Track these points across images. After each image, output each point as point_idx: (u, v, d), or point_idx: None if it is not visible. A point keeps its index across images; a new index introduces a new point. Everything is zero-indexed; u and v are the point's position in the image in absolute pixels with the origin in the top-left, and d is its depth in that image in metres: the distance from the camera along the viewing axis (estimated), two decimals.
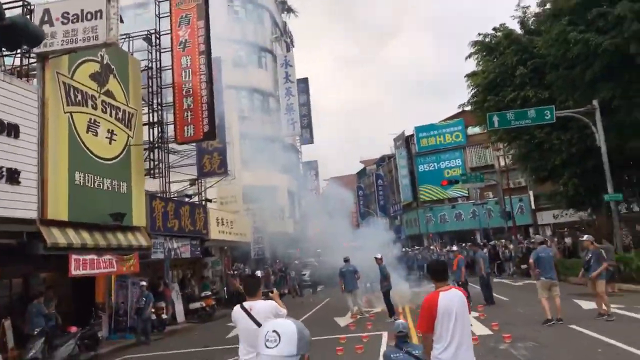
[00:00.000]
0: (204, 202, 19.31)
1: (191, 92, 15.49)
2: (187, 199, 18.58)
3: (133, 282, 15.21)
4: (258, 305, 4.95)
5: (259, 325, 4.83)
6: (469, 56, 26.90)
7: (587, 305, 12.10)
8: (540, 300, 10.39)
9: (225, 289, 22.79)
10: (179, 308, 18.27)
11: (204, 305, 18.79)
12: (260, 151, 27.03)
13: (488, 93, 24.28)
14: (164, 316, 16.36)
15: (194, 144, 18.63)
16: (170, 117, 16.44)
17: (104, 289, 15.11)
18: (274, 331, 1.89)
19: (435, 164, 46.59)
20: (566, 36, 17.55)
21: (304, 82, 38.39)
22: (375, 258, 14.14)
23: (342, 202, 30.37)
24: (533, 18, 24.07)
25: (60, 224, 11.53)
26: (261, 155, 26.78)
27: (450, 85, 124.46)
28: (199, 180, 19.47)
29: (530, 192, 41.92)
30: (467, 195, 44.80)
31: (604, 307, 10.37)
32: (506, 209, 31.22)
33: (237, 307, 5.07)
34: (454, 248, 16.44)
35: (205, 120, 15.22)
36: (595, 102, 17.29)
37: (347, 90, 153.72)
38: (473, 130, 45.75)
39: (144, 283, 14.77)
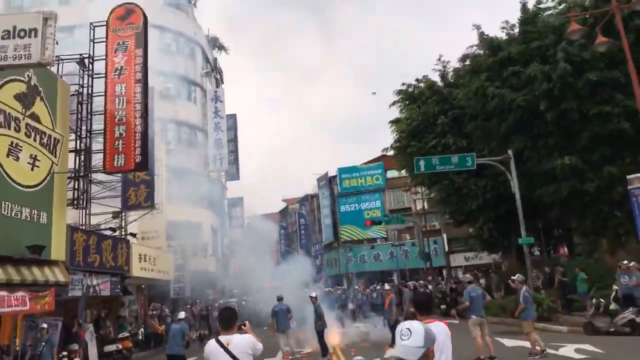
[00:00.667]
0: (127, 237, 18.33)
1: (124, 121, 14.94)
2: (110, 233, 17.54)
3: (44, 322, 13.91)
4: (235, 340, 4.80)
5: None
6: (393, 104, 28.42)
7: (510, 342, 12.79)
8: (475, 338, 10.79)
9: (142, 330, 21.43)
10: (93, 351, 16.85)
11: (120, 347, 17.53)
12: (186, 186, 26.32)
13: (411, 139, 25.69)
14: None
15: (119, 175, 17.81)
16: (97, 146, 15.66)
17: (9, 329, 13.68)
18: (407, 328, 2.63)
19: (356, 204, 47.82)
20: (484, 91, 19.18)
21: (232, 118, 38.31)
22: (310, 297, 14.09)
23: (265, 239, 30.09)
24: (452, 72, 26.01)
25: None
26: (187, 190, 26.07)
27: (370, 130, 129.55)
28: (123, 214, 18.53)
29: (444, 235, 44.09)
30: (385, 236, 46.21)
31: (536, 346, 10.89)
32: (425, 250, 32.47)
33: (212, 342, 4.87)
34: (387, 287, 16.82)
35: (137, 150, 14.68)
36: (510, 152, 18.84)
37: (272, 130, 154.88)
38: (392, 173, 47.77)
39: (56, 322, 13.57)
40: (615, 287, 14.97)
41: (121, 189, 17.96)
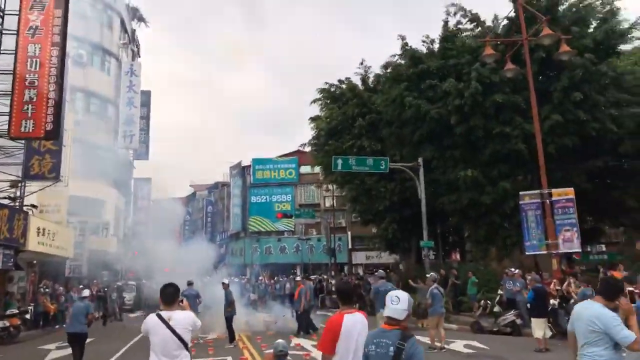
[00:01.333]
0: (26, 208, 17.11)
1: (36, 85, 13.92)
2: (8, 202, 16.27)
3: None
4: (177, 316, 4.90)
5: (177, 336, 4.76)
6: (314, 101, 28.99)
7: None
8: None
9: (31, 308, 20.11)
10: None
11: (7, 324, 16.41)
12: (92, 160, 25.00)
13: (329, 137, 26.40)
14: None
15: (22, 142, 16.58)
16: (1, 108, 14.47)
17: None
18: (396, 296, 3.80)
19: (267, 196, 48.03)
20: (402, 99, 20.23)
21: (146, 95, 36.72)
22: (223, 283, 14.15)
23: (169, 222, 29.35)
24: (373, 77, 27.02)
25: None
26: (93, 165, 24.77)
27: (285, 125, 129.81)
28: (22, 183, 17.24)
29: (349, 233, 45.64)
30: (292, 230, 46.91)
31: (436, 342, 11.76)
32: (331, 246, 33.46)
33: (153, 316, 4.92)
34: (298, 278, 17.22)
35: (49, 118, 13.75)
36: (420, 160, 20.09)
37: (185, 113, 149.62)
38: (305, 169, 48.58)
39: None
40: (500, 291, 16.58)
41: (23, 156, 16.69)
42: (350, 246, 45.35)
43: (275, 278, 29.86)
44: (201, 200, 61.05)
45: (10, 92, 14.07)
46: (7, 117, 14.01)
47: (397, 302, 3.76)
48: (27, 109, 13.79)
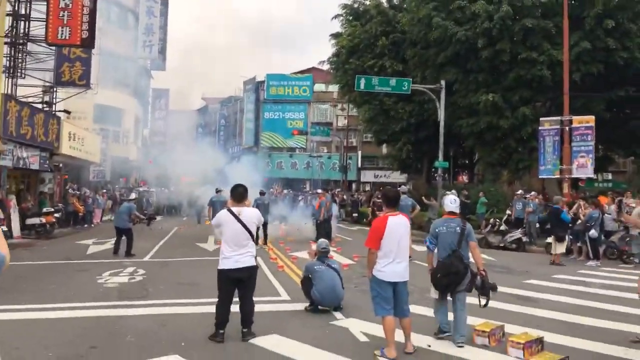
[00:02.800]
0: (58, 113, 17.69)
1: None
2: (43, 107, 16.84)
3: None
4: (246, 211, 5.63)
5: (246, 228, 5.51)
6: (336, 17, 28.48)
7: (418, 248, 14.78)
8: None
9: (62, 207, 21.29)
10: (16, 221, 16.78)
11: (44, 221, 17.55)
12: (115, 69, 25.20)
13: (350, 56, 26.24)
14: (4, 228, 14.99)
15: (52, 48, 16.79)
16: (35, 15, 14.57)
17: None
18: (454, 198, 5.89)
19: (281, 113, 48.22)
20: (430, 20, 19.99)
21: (164, 4, 35.92)
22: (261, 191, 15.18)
23: (186, 131, 29.98)
24: None
25: None
26: (115, 74, 25.01)
27: (300, 40, 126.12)
28: (54, 89, 17.67)
29: (359, 152, 46.38)
30: (304, 147, 47.61)
31: None
32: (344, 164, 34.24)
33: (224, 212, 5.65)
34: (319, 190, 18.09)
35: (85, 26, 13.92)
36: (442, 82, 20.21)
37: (200, 25, 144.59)
38: (319, 87, 48.39)
39: None
40: (508, 211, 17.46)
41: (54, 63, 16.97)
42: (359, 165, 46.24)
43: (285, 191, 31.00)
44: (214, 114, 61.23)
45: None
46: (42, 23, 14.15)
47: (454, 203, 5.83)
48: (63, 15, 13.91)
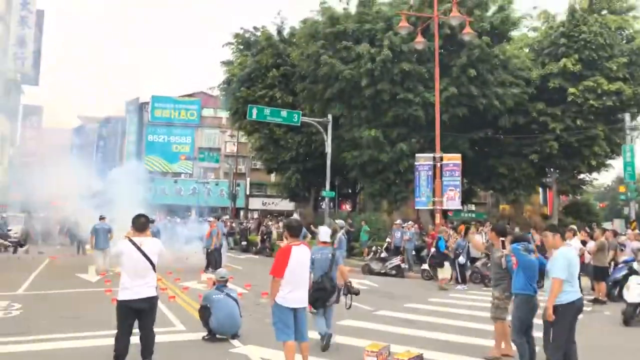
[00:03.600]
0: None
1: None
2: None
3: None
4: (148, 242, 5.65)
5: (148, 259, 5.54)
6: (227, 44, 28.84)
7: None
8: None
9: None
10: None
11: None
12: None
13: (241, 84, 26.64)
14: None
15: None
16: None
17: None
18: (325, 231, 7.18)
19: (166, 136, 46.89)
20: (319, 57, 21.17)
21: (39, 15, 33.46)
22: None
23: (61, 151, 27.99)
24: (289, 29, 27.39)
25: None
26: None
27: (182, 65, 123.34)
28: None
29: (248, 179, 46.56)
30: (191, 172, 46.61)
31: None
32: (233, 191, 34.20)
33: (126, 242, 5.61)
34: (210, 218, 17.88)
35: None
36: (329, 116, 21.39)
37: (79, 39, 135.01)
38: (208, 112, 48.04)
39: None
40: (388, 239, 18.81)
41: None
42: (248, 192, 46.34)
43: (168, 218, 30.05)
44: (91, 134, 57.48)
45: None
46: None
47: (327, 233, 7.13)
48: None
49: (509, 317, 6.42)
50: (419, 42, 17.97)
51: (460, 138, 21.40)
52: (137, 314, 5.56)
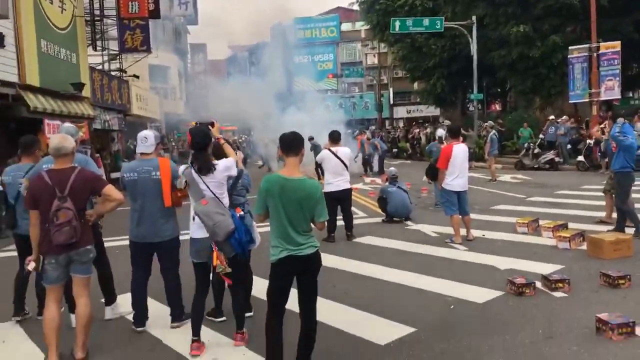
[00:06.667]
0: (126, 78, 19.74)
1: None
2: (117, 74, 18.90)
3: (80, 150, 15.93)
4: (341, 150, 7.61)
5: (342, 162, 7.50)
6: None
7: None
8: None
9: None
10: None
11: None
12: (158, 28, 26.83)
13: None
14: None
15: (114, 19, 18.52)
16: None
17: None
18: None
19: (310, 56, 49.11)
20: None
21: None
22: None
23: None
24: None
25: (33, 90, 12.06)
26: (160, 34, 26.69)
27: None
28: (120, 56, 19.57)
29: (390, 89, 47.32)
30: (335, 89, 48.76)
31: (495, 175, 14.59)
32: (379, 101, 35.56)
33: (326, 151, 7.62)
34: (366, 131, 20.01)
35: None
36: (473, 18, 21.16)
37: None
38: (347, 26, 48.83)
39: (86, 149, 15.66)
40: (541, 135, 18.93)
41: (118, 32, 18.70)
42: (391, 102, 47.32)
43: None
44: (242, 62, 62.29)
45: None
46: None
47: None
48: None
49: None
50: None
51: (623, 21, 19.74)
52: (338, 202, 7.60)
